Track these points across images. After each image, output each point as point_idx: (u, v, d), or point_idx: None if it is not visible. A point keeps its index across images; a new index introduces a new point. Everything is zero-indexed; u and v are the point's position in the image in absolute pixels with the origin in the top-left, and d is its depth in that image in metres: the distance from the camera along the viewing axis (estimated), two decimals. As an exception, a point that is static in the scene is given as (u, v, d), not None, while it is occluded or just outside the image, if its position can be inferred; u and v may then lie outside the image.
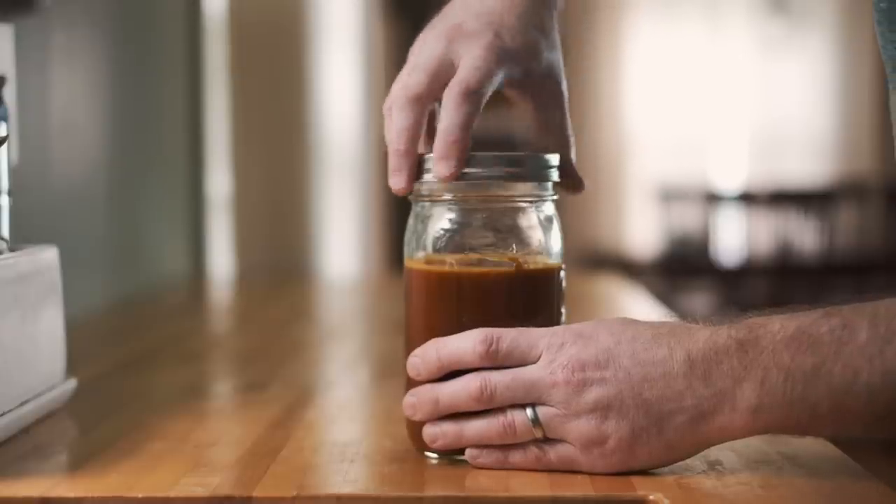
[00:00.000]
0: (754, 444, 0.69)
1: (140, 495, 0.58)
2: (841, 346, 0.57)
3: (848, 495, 0.60)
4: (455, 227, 0.65)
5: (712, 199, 4.72)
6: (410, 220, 0.68)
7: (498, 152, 0.65)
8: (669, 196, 4.84)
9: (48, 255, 0.76)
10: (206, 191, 1.83)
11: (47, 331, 0.75)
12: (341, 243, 3.50)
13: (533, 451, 0.62)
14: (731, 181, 5.18)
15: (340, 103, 3.52)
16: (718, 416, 0.59)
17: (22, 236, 0.84)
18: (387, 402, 0.83)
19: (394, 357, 1.04)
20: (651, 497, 0.58)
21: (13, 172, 0.86)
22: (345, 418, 0.79)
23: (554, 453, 0.62)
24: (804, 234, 4.28)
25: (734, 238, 4.67)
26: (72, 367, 0.81)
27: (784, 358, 0.58)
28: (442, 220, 0.66)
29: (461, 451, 0.64)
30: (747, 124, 5.39)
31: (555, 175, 0.67)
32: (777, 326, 0.59)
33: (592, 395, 0.60)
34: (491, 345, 0.62)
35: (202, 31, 1.81)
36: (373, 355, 1.08)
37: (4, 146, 0.79)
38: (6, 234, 0.80)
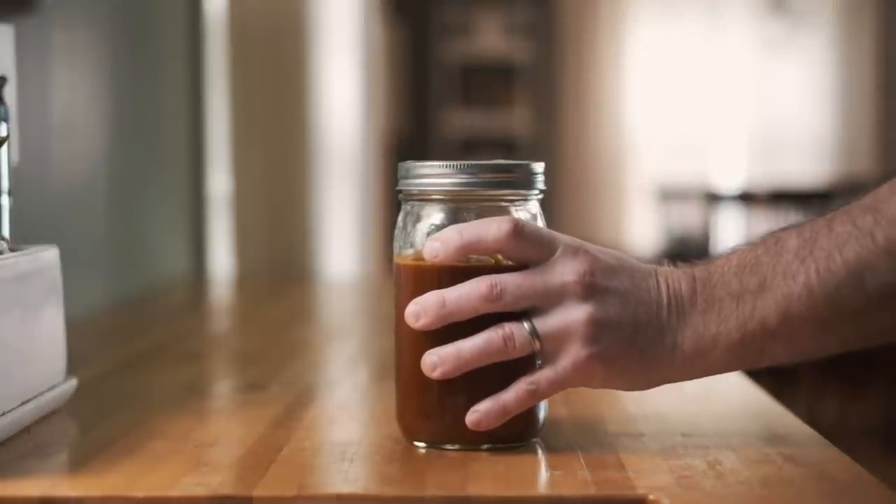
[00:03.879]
0: (754, 444, 0.69)
1: (140, 495, 0.58)
2: (777, 259, 0.63)
3: (848, 495, 0.60)
4: (443, 224, 0.66)
5: (712, 198, 4.72)
6: (400, 219, 0.69)
7: (488, 161, 0.67)
8: (669, 196, 4.84)
9: (48, 255, 0.76)
10: (206, 191, 1.83)
11: (47, 331, 0.75)
12: (341, 243, 3.50)
13: (523, 388, 0.63)
14: (730, 181, 5.18)
15: (340, 103, 3.52)
16: (688, 345, 0.63)
17: (22, 236, 0.84)
18: (387, 402, 0.83)
19: (394, 357, 1.04)
20: (651, 497, 0.58)
21: (13, 172, 0.86)
22: (345, 418, 0.79)
23: (545, 382, 0.63)
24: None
25: (734, 238, 4.66)
26: (72, 367, 0.81)
27: (733, 285, 0.63)
28: (431, 218, 0.67)
29: (448, 441, 0.65)
30: (747, 124, 5.39)
31: (539, 181, 0.68)
32: (724, 261, 0.64)
33: (596, 301, 0.62)
34: (517, 225, 0.63)
35: (202, 32, 1.81)
36: (373, 355, 1.08)
37: (4, 146, 0.79)
38: (6, 234, 0.80)
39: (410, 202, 0.68)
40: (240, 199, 2.03)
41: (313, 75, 2.96)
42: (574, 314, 0.62)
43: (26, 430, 0.71)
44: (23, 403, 0.71)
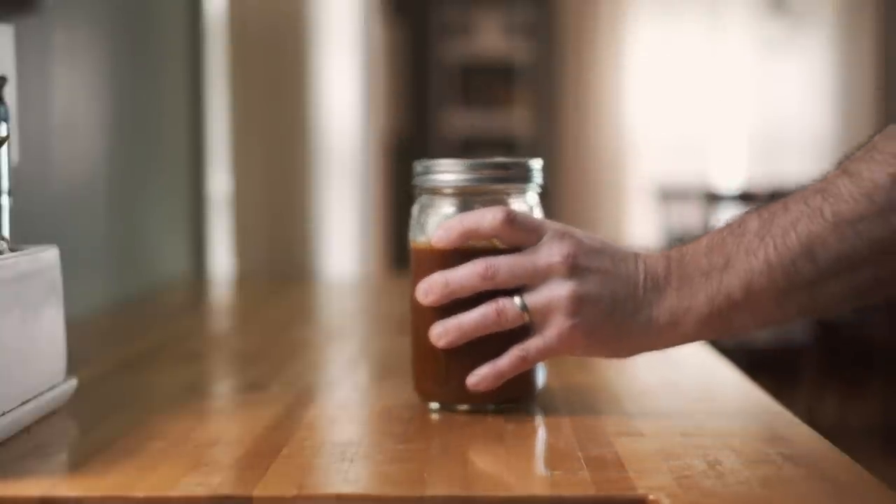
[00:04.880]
0: (754, 444, 0.69)
1: (140, 495, 0.58)
2: (740, 239, 0.70)
3: (848, 495, 0.60)
4: (451, 214, 0.76)
5: (712, 198, 4.72)
6: (415, 210, 0.79)
7: (489, 159, 0.76)
8: (669, 196, 4.83)
9: (48, 255, 0.76)
10: (206, 191, 1.83)
11: (47, 331, 0.75)
12: (341, 243, 3.50)
13: (515, 354, 0.73)
14: (730, 181, 5.18)
15: (340, 103, 3.52)
16: (663, 318, 0.72)
17: (22, 236, 0.84)
18: (387, 402, 0.83)
19: (394, 357, 1.04)
20: (651, 497, 0.58)
21: (13, 172, 0.86)
22: (345, 418, 0.79)
23: (534, 350, 0.73)
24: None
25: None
26: (72, 367, 0.81)
27: (702, 263, 0.71)
28: (443, 209, 0.77)
29: (457, 401, 0.75)
30: (747, 124, 5.39)
31: (536, 176, 0.77)
32: (695, 244, 0.73)
33: (578, 279, 0.71)
34: (509, 214, 0.72)
35: (202, 32, 1.81)
36: (373, 355, 1.08)
37: (4, 146, 0.79)
38: (6, 234, 0.80)
39: (424, 195, 0.78)
40: (240, 199, 2.03)
41: (313, 75, 2.96)
42: (558, 290, 0.72)
43: (26, 430, 0.71)
44: (23, 403, 0.71)
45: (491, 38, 5.66)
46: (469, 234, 0.73)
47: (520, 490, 0.60)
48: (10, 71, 1.01)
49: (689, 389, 0.90)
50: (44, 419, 0.75)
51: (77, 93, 1.26)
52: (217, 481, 0.60)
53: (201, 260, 1.81)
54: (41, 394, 0.74)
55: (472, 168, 0.75)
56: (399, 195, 5.42)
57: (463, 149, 5.62)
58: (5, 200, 0.81)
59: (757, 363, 3.43)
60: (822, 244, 0.68)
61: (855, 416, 3.91)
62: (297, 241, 2.75)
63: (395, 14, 5.26)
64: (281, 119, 2.56)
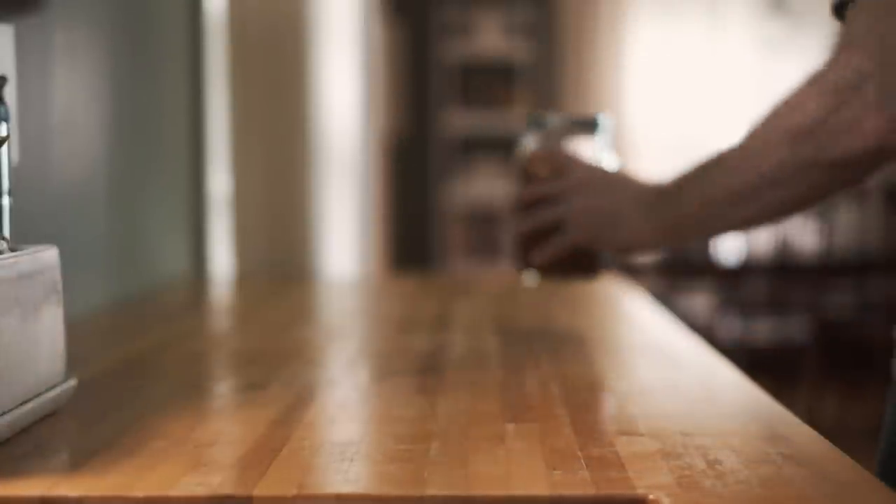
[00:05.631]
0: (754, 444, 0.69)
1: (140, 495, 0.58)
2: (705, 171, 1.01)
3: (848, 495, 0.60)
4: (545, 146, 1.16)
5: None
6: (534, 137, 1.16)
7: (567, 115, 1.24)
8: (669, 196, 4.83)
9: (48, 255, 0.76)
10: (206, 190, 1.83)
11: (47, 331, 0.75)
12: (341, 243, 3.50)
13: (553, 241, 1.09)
14: (730, 181, 5.17)
15: (340, 103, 3.52)
16: (644, 225, 1.05)
17: (22, 236, 0.84)
18: (387, 402, 0.83)
19: (394, 357, 1.04)
20: (651, 496, 0.58)
21: (13, 172, 0.86)
22: (345, 418, 0.79)
23: (562, 241, 1.09)
24: (804, 234, 4.28)
25: (734, 238, 4.67)
26: (72, 367, 0.81)
27: (673, 192, 1.03)
28: (540, 142, 1.17)
29: (545, 276, 1.12)
30: (747, 124, 5.38)
31: (601, 128, 1.15)
32: (674, 181, 1.04)
33: (588, 198, 1.08)
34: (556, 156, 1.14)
35: (202, 32, 1.81)
36: (373, 355, 1.08)
37: (4, 146, 0.79)
38: (6, 233, 0.80)
39: (532, 134, 1.16)
40: (240, 199, 2.03)
41: (313, 75, 2.96)
42: (576, 204, 1.08)
43: (26, 429, 0.71)
44: (23, 403, 0.71)
45: (491, 38, 5.66)
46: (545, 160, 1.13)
47: (520, 490, 0.60)
48: (10, 71, 1.01)
49: (689, 389, 0.90)
50: (44, 419, 0.75)
51: (77, 93, 1.26)
52: (217, 481, 0.60)
53: (201, 260, 1.81)
54: (41, 394, 0.74)
55: (559, 121, 1.17)
56: (399, 195, 5.42)
57: (463, 149, 5.62)
58: (5, 200, 0.80)
59: (757, 363, 3.44)
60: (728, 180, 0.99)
61: (855, 416, 3.91)
62: (297, 241, 2.75)
63: (395, 14, 5.25)
64: (281, 119, 2.56)
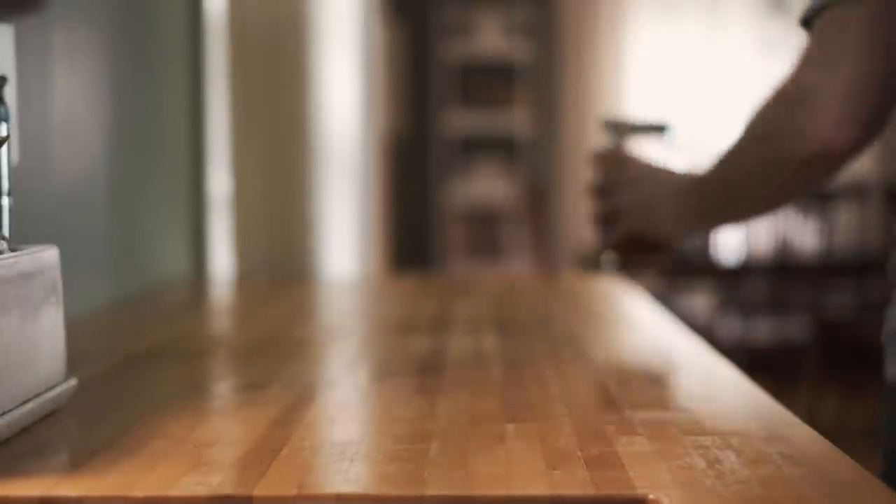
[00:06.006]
0: (754, 443, 0.69)
1: (140, 494, 0.58)
2: (714, 165, 1.10)
3: (848, 495, 0.60)
4: (614, 145, 1.27)
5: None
6: (607, 139, 1.28)
7: (636, 119, 1.30)
8: (669, 196, 4.83)
9: (48, 255, 0.76)
10: (206, 190, 1.83)
11: (47, 330, 0.76)
12: (341, 243, 3.50)
13: (617, 228, 1.21)
14: (730, 181, 5.17)
15: (340, 103, 3.52)
16: (672, 217, 1.16)
17: (22, 236, 0.84)
18: (387, 402, 0.83)
19: (394, 357, 1.04)
20: (651, 496, 0.58)
21: (13, 172, 0.86)
22: (345, 418, 0.79)
23: (618, 229, 1.21)
24: (804, 234, 4.28)
25: (734, 238, 4.67)
26: (72, 367, 0.81)
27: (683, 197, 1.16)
28: (610, 141, 1.28)
29: (622, 254, 1.23)
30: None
31: (668, 132, 1.31)
32: (700, 171, 1.13)
33: (630, 194, 1.20)
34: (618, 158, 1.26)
35: (202, 32, 1.81)
36: (373, 355, 1.08)
37: (4, 146, 0.79)
38: (6, 233, 0.80)
39: (608, 133, 1.28)
40: (240, 199, 2.03)
41: (313, 75, 2.96)
42: (627, 197, 1.20)
43: (26, 429, 0.72)
44: (23, 403, 0.71)
45: (491, 38, 5.66)
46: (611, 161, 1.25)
47: (520, 490, 0.60)
48: (10, 71, 1.01)
49: (689, 389, 0.90)
50: (44, 419, 0.75)
51: (77, 93, 1.26)
52: (217, 481, 0.60)
53: (201, 260, 1.81)
54: (41, 393, 0.74)
55: (629, 123, 1.30)
56: (399, 195, 5.42)
57: (463, 149, 5.62)
58: (5, 200, 0.80)
59: (757, 363, 3.44)
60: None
61: (855, 416, 3.91)
62: (297, 241, 2.75)
63: (395, 14, 5.26)
64: (281, 119, 2.56)
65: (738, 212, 1.15)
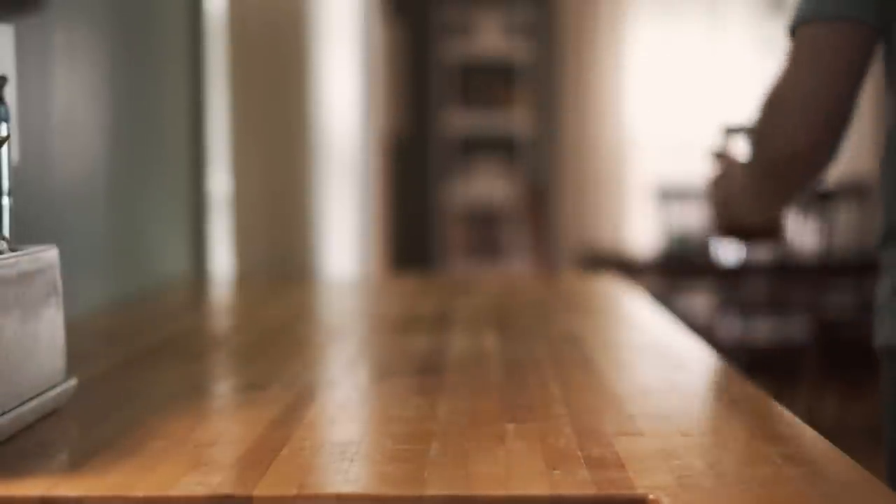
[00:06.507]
0: (754, 444, 0.69)
1: (141, 494, 0.58)
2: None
3: (848, 495, 0.60)
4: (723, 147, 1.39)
5: (712, 198, 4.71)
6: (719, 142, 1.38)
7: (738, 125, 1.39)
8: (669, 196, 4.84)
9: (48, 255, 0.76)
10: (206, 190, 1.83)
11: (48, 330, 0.76)
12: (341, 243, 3.50)
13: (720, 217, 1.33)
14: (730, 181, 5.17)
15: (340, 103, 3.52)
16: (745, 210, 1.28)
17: (22, 236, 0.84)
18: (387, 402, 0.83)
19: (394, 357, 1.04)
20: (651, 496, 0.58)
21: (13, 172, 0.86)
22: (345, 418, 0.79)
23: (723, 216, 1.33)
24: (804, 234, 4.28)
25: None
26: (72, 367, 0.81)
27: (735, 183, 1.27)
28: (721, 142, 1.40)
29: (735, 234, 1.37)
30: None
31: (736, 132, 1.40)
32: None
33: (715, 189, 1.33)
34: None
35: (203, 31, 1.81)
36: (373, 355, 1.08)
37: (5, 146, 0.79)
38: (6, 233, 0.80)
39: (725, 136, 1.37)
40: (240, 199, 2.03)
41: (313, 75, 2.96)
42: (715, 192, 1.31)
43: (27, 429, 0.72)
44: (23, 403, 0.71)
45: (491, 38, 5.66)
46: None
47: (520, 490, 0.60)
48: (10, 71, 1.01)
49: (689, 389, 0.90)
50: (44, 418, 0.75)
51: (77, 93, 1.26)
52: (217, 481, 0.60)
53: (201, 260, 1.81)
54: (41, 393, 0.74)
55: (742, 127, 1.38)
56: (399, 195, 5.42)
57: (463, 149, 5.62)
58: (5, 200, 0.81)
59: (757, 363, 3.44)
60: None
61: (855, 416, 3.91)
62: (297, 241, 2.75)
63: (395, 14, 5.26)
64: (281, 119, 2.56)
65: (765, 205, 1.26)
